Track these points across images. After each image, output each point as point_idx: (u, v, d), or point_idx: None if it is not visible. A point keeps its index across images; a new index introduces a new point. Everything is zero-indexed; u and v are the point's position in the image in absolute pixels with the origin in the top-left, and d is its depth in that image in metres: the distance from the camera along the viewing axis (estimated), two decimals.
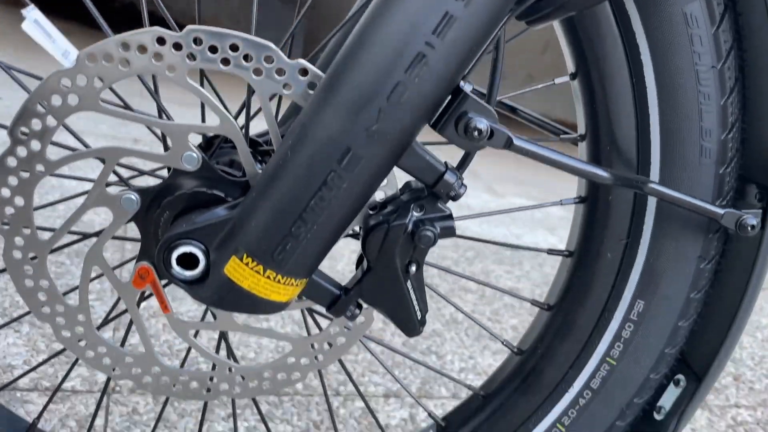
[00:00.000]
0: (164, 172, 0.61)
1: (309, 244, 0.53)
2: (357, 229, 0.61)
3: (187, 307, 1.38)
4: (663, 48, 0.59)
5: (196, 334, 0.82)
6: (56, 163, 0.56)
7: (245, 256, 0.53)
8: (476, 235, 2.27)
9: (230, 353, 0.73)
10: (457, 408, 0.80)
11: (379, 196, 0.59)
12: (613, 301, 0.69)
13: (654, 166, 0.63)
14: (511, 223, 2.54)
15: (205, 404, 0.81)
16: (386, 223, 0.57)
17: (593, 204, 0.69)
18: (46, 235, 0.60)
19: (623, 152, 0.64)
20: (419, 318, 0.61)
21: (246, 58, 0.54)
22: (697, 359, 0.71)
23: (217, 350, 0.74)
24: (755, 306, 1.98)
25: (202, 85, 0.64)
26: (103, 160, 0.58)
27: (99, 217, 1.64)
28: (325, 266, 0.66)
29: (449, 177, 0.56)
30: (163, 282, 0.61)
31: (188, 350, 0.82)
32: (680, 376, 0.73)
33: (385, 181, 0.57)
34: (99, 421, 1.03)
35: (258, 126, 0.68)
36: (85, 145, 0.60)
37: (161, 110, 0.62)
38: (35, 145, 0.56)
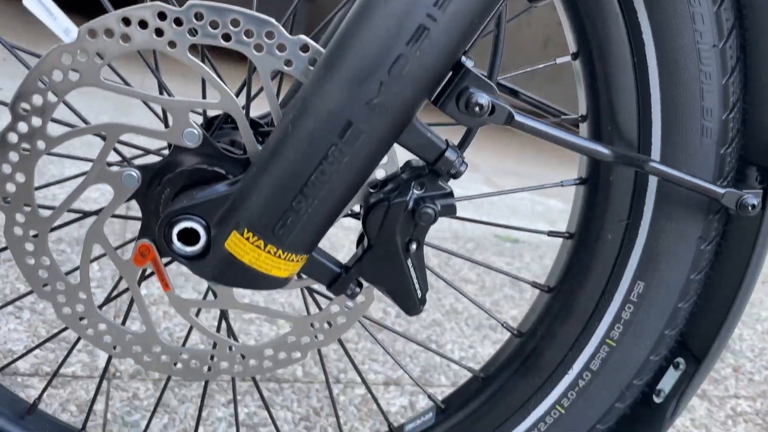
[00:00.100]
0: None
1: (309, 220, 0.53)
2: (357, 209, 0.61)
3: (188, 295, 1.38)
4: (664, 26, 0.59)
5: (197, 314, 0.82)
6: (57, 139, 0.56)
7: (246, 230, 0.53)
8: (476, 226, 2.27)
9: (230, 332, 0.73)
10: (456, 390, 0.80)
11: (380, 174, 0.59)
12: (613, 283, 0.69)
13: (655, 145, 0.63)
14: (512, 216, 2.54)
15: (205, 389, 0.81)
16: (387, 200, 0.57)
17: (594, 185, 0.69)
18: (47, 214, 0.60)
19: (624, 132, 0.64)
20: (419, 296, 0.61)
21: (247, 33, 0.54)
22: (696, 341, 0.71)
23: (218, 329, 0.75)
24: (755, 299, 1.98)
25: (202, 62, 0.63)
26: (104, 138, 0.58)
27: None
28: None
29: (450, 154, 0.56)
30: (164, 260, 0.61)
31: (189, 330, 0.82)
32: (680, 359, 0.73)
33: (385, 158, 0.57)
34: (100, 407, 1.03)
35: (259, 108, 0.68)
36: (86, 122, 0.60)
37: (162, 87, 0.62)
38: (36, 121, 0.56)
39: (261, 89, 0.59)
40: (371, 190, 0.59)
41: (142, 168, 0.58)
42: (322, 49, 0.53)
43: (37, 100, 0.55)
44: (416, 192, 0.57)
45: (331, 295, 0.63)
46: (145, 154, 0.68)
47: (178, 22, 0.53)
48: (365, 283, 0.62)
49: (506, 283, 1.83)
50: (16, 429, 0.72)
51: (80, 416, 0.99)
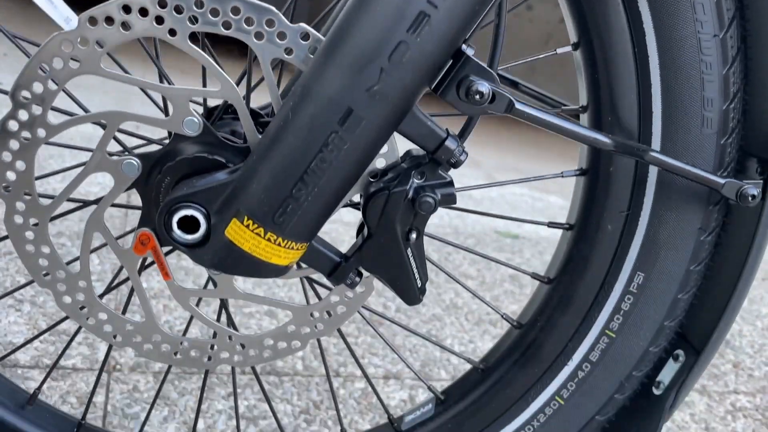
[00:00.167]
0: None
1: (310, 207, 0.53)
2: (358, 198, 0.61)
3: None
4: (665, 16, 0.59)
5: (197, 304, 0.82)
6: (57, 127, 0.57)
7: (246, 218, 0.54)
8: (476, 222, 2.27)
9: (230, 322, 0.74)
10: (456, 382, 0.80)
11: (380, 164, 0.59)
12: (613, 274, 0.69)
13: (655, 136, 0.63)
14: (512, 212, 2.54)
15: (204, 381, 0.81)
16: (387, 189, 0.57)
17: (594, 176, 0.69)
18: (47, 203, 0.60)
19: (625, 123, 0.64)
20: (419, 286, 0.61)
21: (247, 21, 0.54)
22: (695, 333, 0.71)
23: (218, 319, 0.75)
24: (755, 295, 1.97)
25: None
26: (104, 126, 0.58)
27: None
28: None
29: (450, 143, 0.56)
30: (165, 250, 0.61)
31: (189, 320, 0.82)
32: (679, 351, 0.73)
33: (386, 148, 0.57)
34: (100, 398, 1.03)
35: (259, 101, 0.68)
36: (86, 110, 0.60)
37: (162, 75, 0.62)
38: (36, 109, 0.56)
39: (261, 79, 0.60)
40: (371, 180, 0.59)
41: (142, 156, 0.58)
42: (322, 38, 0.53)
43: (38, 87, 0.55)
44: (416, 181, 0.57)
45: (330, 284, 0.63)
46: (146, 143, 0.68)
47: (179, 9, 0.53)
48: (365, 273, 0.62)
49: (506, 278, 1.83)
50: (16, 419, 0.73)
51: (80, 408, 1.00)
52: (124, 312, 0.69)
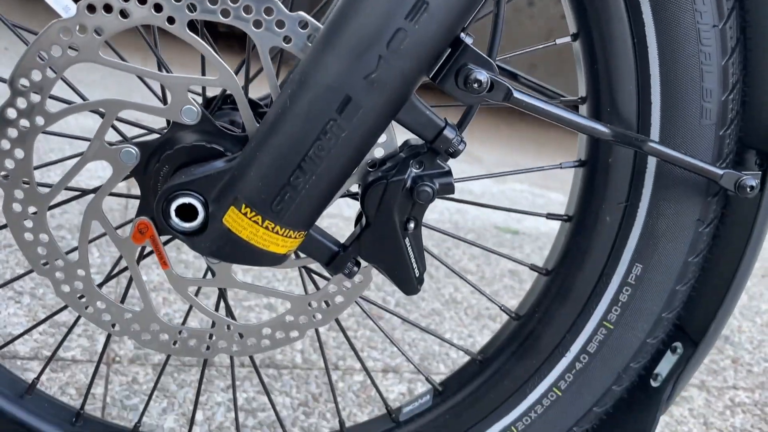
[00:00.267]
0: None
1: (307, 196, 0.53)
2: (356, 188, 0.61)
3: None
4: (664, 6, 0.59)
5: (196, 295, 0.82)
6: (56, 115, 0.57)
7: (244, 206, 0.54)
8: (476, 217, 2.27)
9: (229, 311, 0.74)
10: (454, 373, 0.80)
11: (378, 153, 0.59)
12: (612, 265, 0.69)
13: (654, 127, 0.63)
14: (512, 207, 2.54)
15: (202, 372, 0.81)
16: (385, 179, 0.57)
17: (593, 167, 0.69)
18: (45, 191, 0.60)
19: (624, 113, 0.64)
20: (417, 276, 0.61)
21: (246, 9, 0.54)
22: (693, 325, 0.71)
23: (216, 309, 0.75)
24: (755, 292, 1.97)
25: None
26: (102, 115, 0.58)
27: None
28: None
29: (448, 132, 0.56)
30: (163, 240, 0.61)
31: (188, 310, 0.82)
32: (677, 344, 0.73)
33: (384, 137, 0.57)
34: (100, 390, 1.03)
35: (258, 92, 0.68)
36: (83, 98, 0.60)
37: (161, 63, 0.62)
38: (35, 97, 0.56)
39: (260, 70, 0.59)
40: (370, 169, 0.59)
41: (140, 145, 0.58)
42: (320, 26, 0.53)
43: (36, 75, 0.55)
44: (414, 170, 0.57)
45: (328, 274, 0.63)
46: (146, 133, 0.68)
47: None
48: (363, 263, 0.62)
49: (506, 273, 1.83)
50: (15, 408, 0.73)
51: (80, 399, 1.00)
52: (122, 301, 0.69)
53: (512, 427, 0.74)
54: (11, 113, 0.56)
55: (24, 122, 0.56)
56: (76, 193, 0.69)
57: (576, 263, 0.71)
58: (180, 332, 0.65)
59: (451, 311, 1.54)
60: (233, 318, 0.68)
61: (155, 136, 0.60)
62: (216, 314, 0.65)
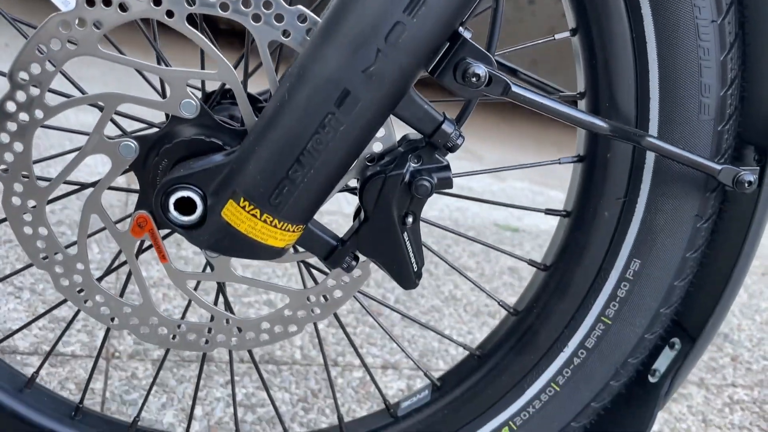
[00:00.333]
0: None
1: (305, 189, 0.53)
2: (355, 182, 0.61)
3: None
4: (663, 1, 0.59)
5: (195, 290, 0.82)
6: (55, 108, 0.57)
7: (242, 199, 0.54)
8: (476, 215, 2.27)
9: (228, 305, 0.74)
10: (453, 368, 0.81)
11: (377, 148, 0.59)
12: (610, 261, 0.69)
13: (653, 122, 0.63)
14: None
15: (201, 367, 0.81)
16: (383, 173, 0.57)
17: (591, 162, 0.69)
18: (44, 185, 0.60)
19: (622, 109, 0.64)
20: (415, 270, 0.61)
21: (245, 3, 0.54)
22: (691, 320, 0.72)
23: (215, 303, 0.75)
24: (755, 290, 1.97)
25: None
26: (101, 108, 0.58)
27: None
28: None
29: (447, 127, 0.56)
30: (162, 233, 0.61)
31: (188, 304, 0.82)
32: (675, 339, 0.73)
33: (383, 131, 0.57)
34: (99, 385, 1.04)
35: (257, 87, 0.68)
36: (83, 92, 0.60)
37: (160, 57, 0.62)
38: (34, 90, 0.56)
39: (260, 64, 0.60)
40: (368, 163, 0.59)
41: (139, 138, 0.58)
42: (319, 20, 0.53)
43: (35, 69, 0.55)
44: (413, 165, 0.57)
45: (326, 269, 0.63)
46: (145, 127, 0.68)
47: None
48: (361, 257, 0.62)
49: (505, 270, 1.83)
50: (14, 402, 0.73)
51: (79, 394, 1.00)
52: (121, 295, 0.69)
53: (510, 422, 0.74)
54: (10, 106, 0.56)
55: (23, 115, 0.56)
56: (76, 187, 0.69)
57: (574, 258, 0.71)
58: (179, 326, 0.65)
59: (450, 308, 1.55)
60: (232, 312, 0.68)
61: (154, 130, 0.60)
62: (215, 308, 0.65)
